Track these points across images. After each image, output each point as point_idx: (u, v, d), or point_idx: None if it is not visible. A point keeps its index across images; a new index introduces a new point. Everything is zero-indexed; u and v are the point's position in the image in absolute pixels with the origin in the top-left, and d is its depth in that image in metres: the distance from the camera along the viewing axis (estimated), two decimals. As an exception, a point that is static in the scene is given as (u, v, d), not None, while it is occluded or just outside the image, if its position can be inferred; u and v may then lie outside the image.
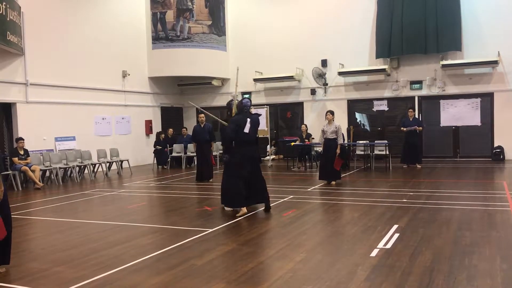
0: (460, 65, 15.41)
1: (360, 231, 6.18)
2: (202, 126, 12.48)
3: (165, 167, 16.28)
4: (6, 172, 11.59)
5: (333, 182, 10.70)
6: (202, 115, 12.70)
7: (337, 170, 10.68)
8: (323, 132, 10.79)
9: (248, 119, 7.59)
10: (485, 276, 4.27)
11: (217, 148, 16.97)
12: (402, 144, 14.32)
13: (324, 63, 17.37)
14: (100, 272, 4.69)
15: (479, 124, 15.66)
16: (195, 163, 13.67)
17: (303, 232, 6.22)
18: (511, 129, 14.99)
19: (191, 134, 13.99)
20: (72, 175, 13.53)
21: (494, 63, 14.91)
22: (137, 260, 5.09)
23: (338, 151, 10.49)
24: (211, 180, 12.21)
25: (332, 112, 10.79)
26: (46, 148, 13.60)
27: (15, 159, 11.81)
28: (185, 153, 16.38)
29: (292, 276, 4.43)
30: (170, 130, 17.43)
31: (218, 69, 18.67)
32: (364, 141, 15.37)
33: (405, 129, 14.03)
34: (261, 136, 17.25)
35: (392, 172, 13.08)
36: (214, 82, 18.76)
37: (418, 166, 13.88)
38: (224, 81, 19.23)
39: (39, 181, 11.89)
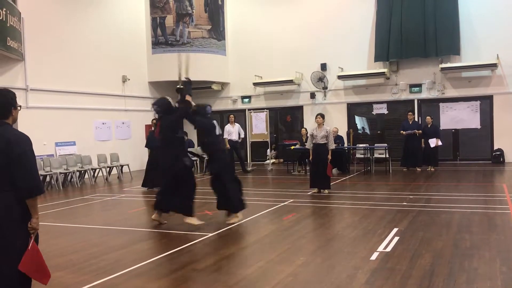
0: (459, 68, 15.42)
1: (360, 234, 6.19)
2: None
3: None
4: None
5: (326, 191, 9.95)
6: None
7: (328, 177, 9.98)
8: (313, 136, 9.95)
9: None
10: (485, 279, 4.28)
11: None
12: (402, 148, 14.31)
13: (323, 67, 17.40)
14: (100, 277, 4.70)
15: (479, 126, 15.66)
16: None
17: (303, 236, 6.23)
18: (510, 132, 14.99)
19: (190, 139, 14.05)
20: (72, 180, 13.52)
21: (493, 66, 14.93)
22: (137, 265, 5.09)
23: (329, 157, 9.79)
24: None
25: (322, 116, 10.00)
26: (47, 153, 13.60)
27: (16, 164, 11.79)
28: (185, 157, 16.37)
29: (293, 280, 4.44)
30: None
31: (217, 74, 18.69)
32: (364, 145, 15.38)
33: (404, 132, 14.04)
34: (261, 140, 17.35)
35: (392, 175, 13.08)
36: (214, 87, 18.79)
37: (418, 169, 13.87)
38: (223, 85, 19.26)
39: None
